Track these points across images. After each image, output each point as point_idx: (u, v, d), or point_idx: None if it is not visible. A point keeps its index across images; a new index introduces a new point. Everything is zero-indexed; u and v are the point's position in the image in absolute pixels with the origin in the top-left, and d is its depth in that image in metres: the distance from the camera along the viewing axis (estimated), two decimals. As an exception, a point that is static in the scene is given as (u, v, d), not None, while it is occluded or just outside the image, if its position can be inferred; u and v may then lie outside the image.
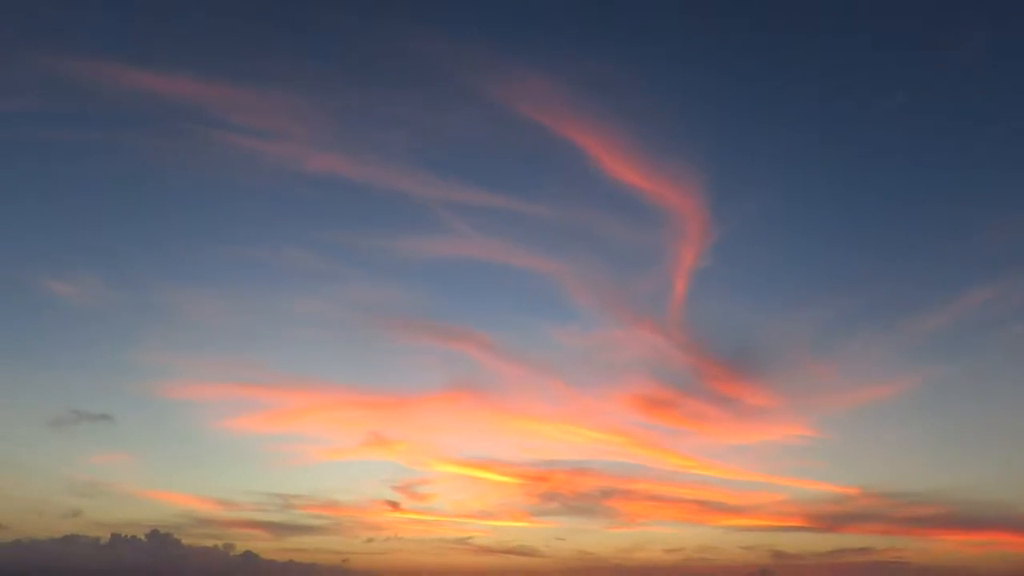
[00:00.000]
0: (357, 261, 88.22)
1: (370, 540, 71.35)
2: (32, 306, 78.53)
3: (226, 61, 74.55)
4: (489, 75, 66.44)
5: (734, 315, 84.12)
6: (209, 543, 78.69)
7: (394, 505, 74.96)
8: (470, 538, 72.54)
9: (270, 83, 72.05)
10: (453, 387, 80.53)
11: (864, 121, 75.67)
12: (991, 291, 72.93)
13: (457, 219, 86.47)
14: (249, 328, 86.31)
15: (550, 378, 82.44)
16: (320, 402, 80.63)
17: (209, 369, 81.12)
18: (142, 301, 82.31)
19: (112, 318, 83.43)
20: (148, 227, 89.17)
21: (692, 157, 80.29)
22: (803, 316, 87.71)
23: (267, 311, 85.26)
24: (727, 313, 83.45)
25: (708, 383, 79.53)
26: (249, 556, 79.14)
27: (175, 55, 63.11)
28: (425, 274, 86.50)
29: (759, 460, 76.75)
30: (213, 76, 67.54)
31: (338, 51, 74.40)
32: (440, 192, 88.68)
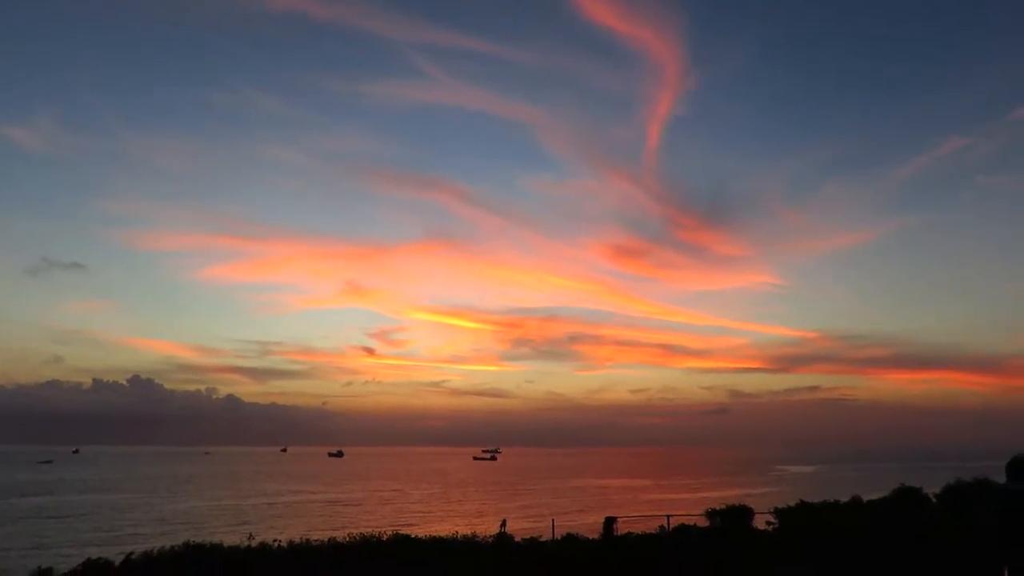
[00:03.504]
0: (326, 107, 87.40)
1: (348, 384, 75.44)
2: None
3: None
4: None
5: (708, 165, 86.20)
6: (192, 387, 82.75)
7: (370, 351, 78.80)
8: (444, 381, 77.45)
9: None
10: (428, 237, 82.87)
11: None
12: (960, 142, 78.75)
13: (429, 63, 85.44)
14: (219, 177, 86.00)
15: (523, 228, 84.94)
16: (296, 252, 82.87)
17: (182, 219, 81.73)
18: (106, 148, 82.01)
19: (76, 165, 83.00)
20: (106, 68, 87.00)
21: (673, 1, 79.13)
22: (777, 166, 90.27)
23: (236, 159, 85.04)
24: (701, 163, 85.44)
25: (679, 233, 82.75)
26: (232, 399, 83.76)
27: None
28: (397, 121, 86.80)
29: (723, 306, 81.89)
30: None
31: None
32: (411, 33, 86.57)
